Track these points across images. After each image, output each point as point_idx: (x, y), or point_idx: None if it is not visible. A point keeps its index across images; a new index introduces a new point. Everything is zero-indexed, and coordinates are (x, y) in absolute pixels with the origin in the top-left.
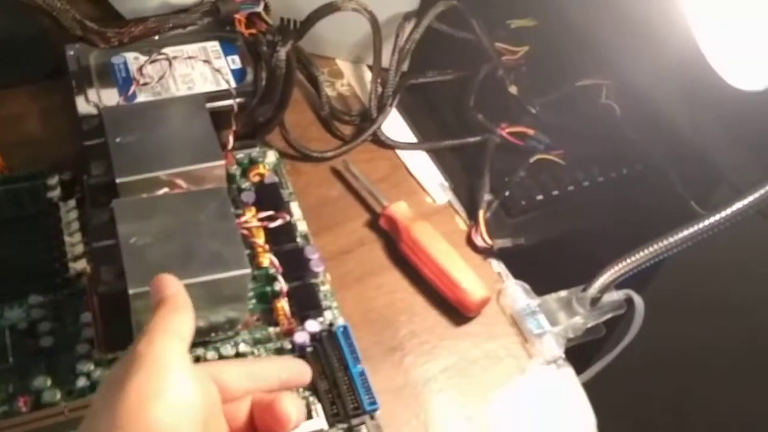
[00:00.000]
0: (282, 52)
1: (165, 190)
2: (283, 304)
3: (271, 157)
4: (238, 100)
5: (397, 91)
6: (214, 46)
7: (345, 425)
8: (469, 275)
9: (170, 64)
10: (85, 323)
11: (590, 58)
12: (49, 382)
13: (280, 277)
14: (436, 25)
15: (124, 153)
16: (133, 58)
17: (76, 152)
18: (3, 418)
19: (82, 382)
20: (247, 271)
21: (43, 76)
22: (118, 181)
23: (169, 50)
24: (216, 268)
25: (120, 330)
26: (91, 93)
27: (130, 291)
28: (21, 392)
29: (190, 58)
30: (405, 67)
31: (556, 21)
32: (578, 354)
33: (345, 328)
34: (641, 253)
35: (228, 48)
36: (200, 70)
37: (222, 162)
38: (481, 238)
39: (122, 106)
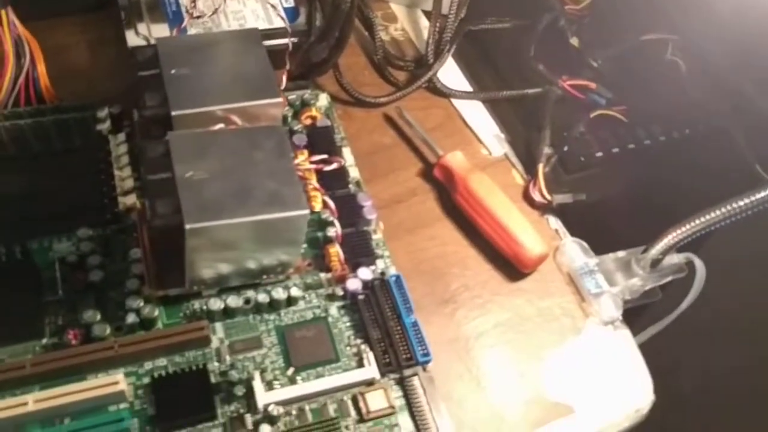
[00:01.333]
0: None
1: (219, 125)
2: (337, 250)
3: (324, 100)
4: (292, 39)
5: (456, 37)
6: None
7: (397, 375)
8: (528, 230)
9: None
10: (134, 259)
11: (656, 11)
12: (98, 317)
13: (336, 222)
14: None
15: (179, 85)
16: None
17: (124, 86)
18: (52, 350)
19: (131, 318)
20: (306, 211)
21: (91, 6)
22: (173, 113)
23: None
24: (274, 207)
25: (171, 267)
26: (141, 26)
27: (187, 226)
28: (71, 325)
29: None
30: (463, 13)
31: None
32: (632, 317)
33: (398, 277)
34: (706, 217)
35: None
36: (252, 6)
37: (279, 100)
38: (540, 194)
39: (177, 38)
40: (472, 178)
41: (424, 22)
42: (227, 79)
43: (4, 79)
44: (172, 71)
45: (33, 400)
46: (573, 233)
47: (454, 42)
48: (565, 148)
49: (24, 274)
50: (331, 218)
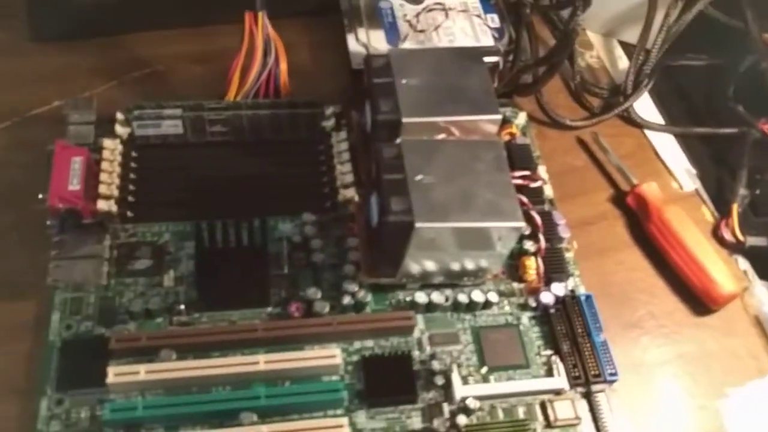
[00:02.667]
0: (580, 17)
1: (441, 135)
2: (535, 263)
3: (522, 118)
4: (496, 58)
5: (655, 71)
6: (474, 2)
7: (584, 389)
8: (721, 267)
9: (446, 15)
10: (350, 247)
11: None
12: (319, 295)
13: (541, 236)
14: (707, 8)
15: (409, 95)
16: (398, 4)
17: (340, 87)
18: (276, 318)
19: (347, 299)
20: (522, 224)
21: (315, 11)
22: (404, 120)
23: (430, 1)
24: (492, 217)
25: (387, 258)
26: (361, 32)
27: (417, 225)
28: (294, 299)
29: (459, 11)
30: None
31: None
32: None
33: (589, 297)
34: None
35: (486, 6)
36: (461, 24)
37: (498, 117)
38: (732, 233)
39: (407, 50)
40: (667, 210)
41: (619, 52)
42: (451, 92)
43: (251, 73)
44: (403, 81)
45: (263, 361)
46: (761, 276)
47: (653, 76)
48: (758, 191)
49: (256, 248)
50: (526, 231)
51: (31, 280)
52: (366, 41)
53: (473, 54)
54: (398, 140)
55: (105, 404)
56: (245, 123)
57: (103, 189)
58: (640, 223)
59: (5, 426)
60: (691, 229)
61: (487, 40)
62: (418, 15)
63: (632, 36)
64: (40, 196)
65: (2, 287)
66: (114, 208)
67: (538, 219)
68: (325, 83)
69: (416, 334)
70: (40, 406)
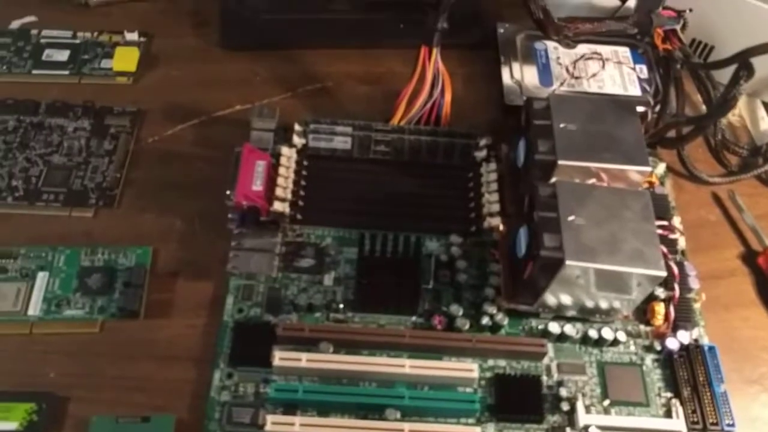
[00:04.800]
0: (744, 86)
1: (592, 180)
2: (664, 309)
3: (661, 169)
4: (645, 108)
5: None
6: (624, 51)
7: None
8: None
9: (603, 65)
10: (491, 272)
11: None
12: (461, 312)
13: (676, 285)
14: None
15: (565, 138)
16: (552, 47)
17: (492, 119)
18: (419, 328)
19: (485, 320)
20: (663, 273)
21: (472, 44)
22: (559, 162)
23: (583, 47)
24: (636, 263)
25: (528, 288)
26: (515, 69)
27: (567, 262)
28: (436, 312)
29: (614, 62)
30: None
31: None
32: None
33: (712, 348)
34: None
35: (635, 56)
36: (610, 71)
37: (648, 168)
38: None
39: (566, 96)
40: None
41: (762, 113)
42: (604, 140)
43: (418, 101)
44: (561, 125)
45: (409, 365)
46: None
47: None
48: None
49: (410, 261)
50: None
51: (211, 264)
52: (519, 79)
53: (627, 104)
54: (552, 180)
55: (270, 384)
56: (406, 146)
57: (279, 192)
58: None
59: (184, 387)
60: None
61: (635, 90)
62: (575, 62)
63: None
64: (228, 192)
65: (187, 267)
66: (287, 209)
67: (675, 269)
68: (476, 113)
69: (546, 360)
70: (213, 377)
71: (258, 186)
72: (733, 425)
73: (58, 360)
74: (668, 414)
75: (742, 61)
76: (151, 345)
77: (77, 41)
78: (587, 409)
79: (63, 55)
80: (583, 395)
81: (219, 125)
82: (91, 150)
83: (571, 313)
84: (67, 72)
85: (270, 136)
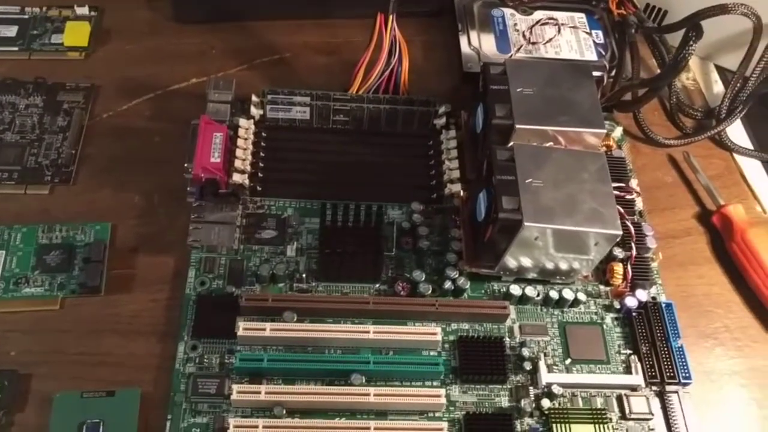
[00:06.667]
0: (694, 47)
1: (549, 143)
2: (623, 269)
3: (619, 132)
4: (601, 73)
5: (751, 97)
6: (580, 17)
7: (658, 388)
8: None
9: (559, 31)
10: (453, 237)
11: None
12: (423, 277)
13: (633, 245)
14: None
15: (522, 103)
16: (509, 14)
17: (451, 86)
18: (383, 295)
19: (447, 284)
20: (619, 232)
21: (431, 12)
22: (517, 126)
23: (539, 14)
24: (593, 223)
25: (489, 251)
26: (473, 36)
27: (525, 224)
28: (400, 279)
29: (569, 27)
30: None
31: None
32: None
33: (670, 305)
34: None
35: (591, 21)
36: (567, 37)
37: (603, 131)
38: None
39: (522, 61)
40: (750, 231)
41: (715, 76)
42: (561, 104)
43: (375, 70)
44: (518, 89)
45: (373, 331)
46: None
47: (749, 102)
48: None
49: (372, 229)
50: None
51: (172, 238)
52: (477, 46)
53: (583, 69)
54: (510, 144)
55: (235, 354)
56: (365, 115)
57: (237, 163)
58: (723, 242)
59: (149, 361)
60: None
61: (591, 56)
62: (531, 27)
63: (729, 62)
64: (186, 165)
65: (147, 242)
66: (246, 181)
67: (632, 229)
68: (436, 82)
69: (508, 322)
70: (178, 350)
71: (216, 158)
72: (689, 377)
73: (18, 338)
74: (628, 370)
75: (692, 24)
76: (113, 320)
77: (26, 16)
78: (549, 368)
79: (11, 31)
80: (545, 355)
81: (175, 99)
82: (45, 127)
83: (532, 275)
84: (16, 48)
85: (227, 108)
